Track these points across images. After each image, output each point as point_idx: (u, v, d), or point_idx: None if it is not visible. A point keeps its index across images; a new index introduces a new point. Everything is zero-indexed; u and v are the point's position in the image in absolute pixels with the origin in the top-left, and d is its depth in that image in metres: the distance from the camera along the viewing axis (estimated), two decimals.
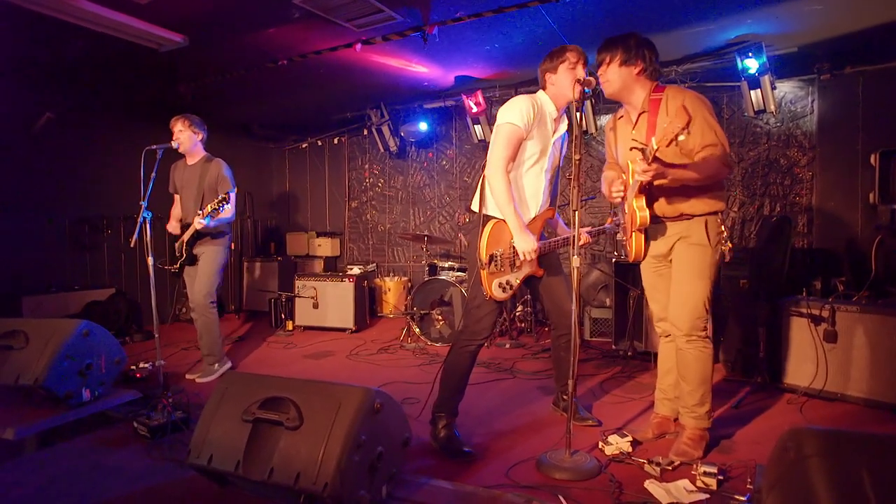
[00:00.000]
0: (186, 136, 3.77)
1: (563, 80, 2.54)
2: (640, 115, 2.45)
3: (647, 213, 2.35)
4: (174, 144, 3.60)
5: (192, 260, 3.81)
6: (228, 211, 3.70)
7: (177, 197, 4.02)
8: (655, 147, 2.09)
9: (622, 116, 2.60)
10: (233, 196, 3.74)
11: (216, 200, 3.55)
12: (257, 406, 1.98)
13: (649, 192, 2.37)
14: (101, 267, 5.50)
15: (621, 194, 2.48)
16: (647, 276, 2.67)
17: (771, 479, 1.23)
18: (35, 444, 2.65)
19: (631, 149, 2.23)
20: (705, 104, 2.35)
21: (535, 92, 2.65)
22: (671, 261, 2.51)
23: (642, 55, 2.40)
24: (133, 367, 3.62)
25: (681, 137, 1.99)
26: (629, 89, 2.44)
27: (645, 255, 2.54)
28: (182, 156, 3.93)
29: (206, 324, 3.82)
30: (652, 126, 2.36)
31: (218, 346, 3.90)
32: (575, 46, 2.57)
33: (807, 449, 1.07)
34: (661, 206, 2.42)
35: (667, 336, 2.67)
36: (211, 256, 3.80)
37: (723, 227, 2.43)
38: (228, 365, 4.00)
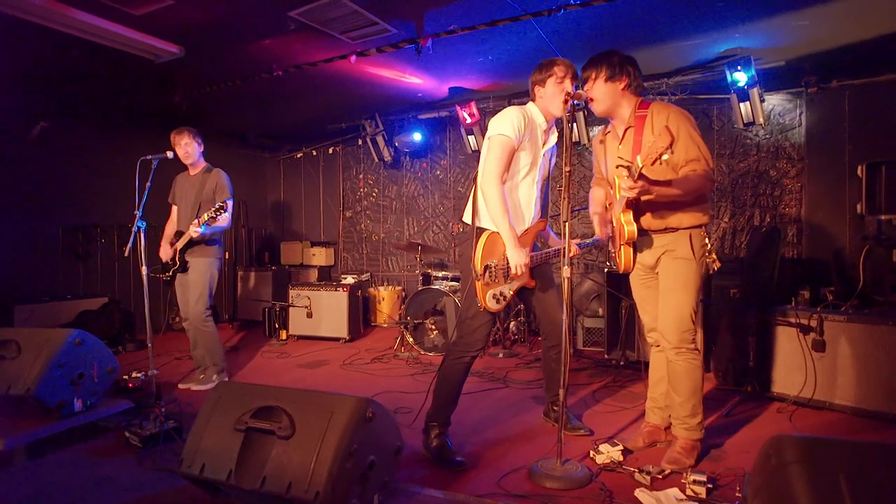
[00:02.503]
0: (193, 149, 3.84)
1: (551, 93, 2.57)
2: (626, 130, 2.50)
3: (634, 227, 2.40)
4: (170, 155, 3.61)
5: (184, 267, 3.81)
6: (225, 219, 3.71)
7: (174, 209, 4.03)
8: (640, 165, 2.13)
9: (609, 132, 2.65)
10: (230, 205, 3.75)
11: (213, 209, 3.56)
12: (250, 415, 1.98)
13: (636, 207, 2.43)
14: (94, 276, 5.49)
15: (610, 229, 2.59)
16: (636, 287, 2.72)
17: (755, 486, 1.26)
18: (26, 455, 2.64)
19: (617, 166, 2.28)
20: (689, 120, 2.41)
21: (527, 103, 2.69)
22: (658, 273, 2.55)
23: (627, 71, 2.46)
24: (125, 377, 3.61)
25: (665, 157, 2.05)
26: (616, 104, 2.50)
27: (633, 266, 2.59)
28: (182, 167, 3.96)
29: (206, 337, 3.82)
30: (637, 143, 2.42)
31: (220, 356, 3.90)
32: (563, 60, 2.61)
33: (787, 456, 1.10)
34: (648, 219, 2.47)
35: (658, 346, 2.70)
36: (202, 269, 3.79)
37: (707, 241, 2.48)
38: (225, 376, 3.99)
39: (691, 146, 2.35)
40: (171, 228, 4.02)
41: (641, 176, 2.18)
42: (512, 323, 5.17)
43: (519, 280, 2.62)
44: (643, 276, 2.63)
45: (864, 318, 3.10)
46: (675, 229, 2.44)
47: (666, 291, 2.48)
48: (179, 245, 3.77)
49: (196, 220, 3.60)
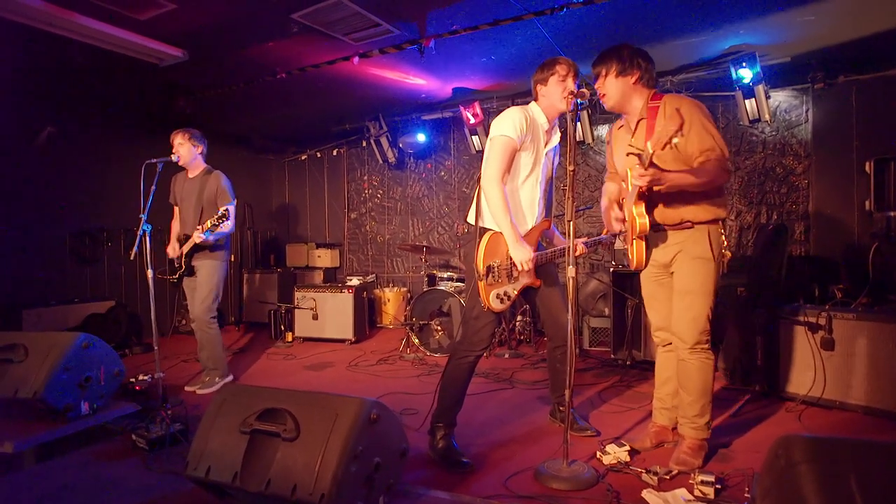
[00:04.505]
0: (186, 150, 3.80)
1: (553, 92, 2.56)
2: (638, 122, 2.45)
3: (646, 219, 2.34)
4: (174, 158, 3.63)
5: (191, 271, 3.83)
6: (227, 225, 3.72)
7: (176, 209, 4.05)
8: (651, 151, 2.09)
9: (622, 126, 2.60)
10: (232, 209, 3.75)
11: (216, 216, 3.55)
12: (255, 417, 1.98)
13: (649, 199, 2.37)
14: (101, 279, 5.51)
15: (621, 225, 2.51)
16: (646, 284, 2.65)
17: (764, 486, 1.24)
18: (33, 458, 2.65)
19: (627, 154, 2.24)
20: (702, 110, 2.34)
21: (529, 103, 2.68)
22: (672, 272, 2.49)
23: (637, 64, 2.41)
24: (132, 380, 3.62)
25: (675, 140, 1.97)
26: (627, 98, 2.45)
27: (646, 263, 2.53)
28: (183, 168, 3.96)
29: (209, 339, 3.83)
30: (650, 132, 2.34)
31: (221, 360, 3.91)
32: (565, 58, 2.59)
33: (796, 456, 1.08)
34: (661, 212, 2.41)
35: (664, 345, 2.67)
36: (210, 271, 3.79)
37: (724, 237, 2.43)
38: (230, 378, 4.00)
39: (706, 137, 2.28)
40: (177, 226, 4.03)
41: (652, 164, 2.14)
42: (518, 323, 5.16)
43: (523, 279, 2.60)
44: (656, 273, 2.57)
45: (873, 316, 3.06)
46: (691, 224, 2.38)
47: (683, 293, 2.42)
48: (186, 249, 3.78)
49: (199, 227, 3.61)
